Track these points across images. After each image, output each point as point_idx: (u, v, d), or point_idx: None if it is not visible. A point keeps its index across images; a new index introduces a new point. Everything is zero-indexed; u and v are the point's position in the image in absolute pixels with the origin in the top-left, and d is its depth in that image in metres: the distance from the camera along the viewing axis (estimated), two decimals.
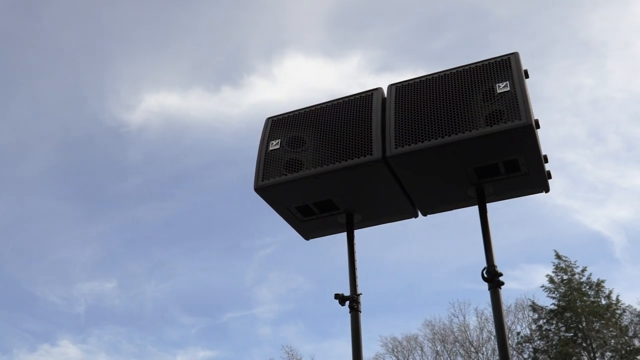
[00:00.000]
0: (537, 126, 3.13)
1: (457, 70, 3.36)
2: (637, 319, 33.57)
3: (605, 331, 32.73)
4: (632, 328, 33.35)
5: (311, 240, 4.01)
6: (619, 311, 33.41)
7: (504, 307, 3.17)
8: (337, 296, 3.47)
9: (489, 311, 33.96)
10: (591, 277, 34.57)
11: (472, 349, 36.96)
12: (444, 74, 3.38)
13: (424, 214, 3.74)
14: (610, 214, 47.56)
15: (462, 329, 37.87)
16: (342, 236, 3.78)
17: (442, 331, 38.34)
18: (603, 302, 33.69)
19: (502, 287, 3.15)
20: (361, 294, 3.52)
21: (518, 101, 3.06)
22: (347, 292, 3.50)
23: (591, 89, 49.62)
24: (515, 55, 3.28)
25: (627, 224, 48.00)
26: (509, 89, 3.13)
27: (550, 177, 3.40)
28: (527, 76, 3.23)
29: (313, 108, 3.65)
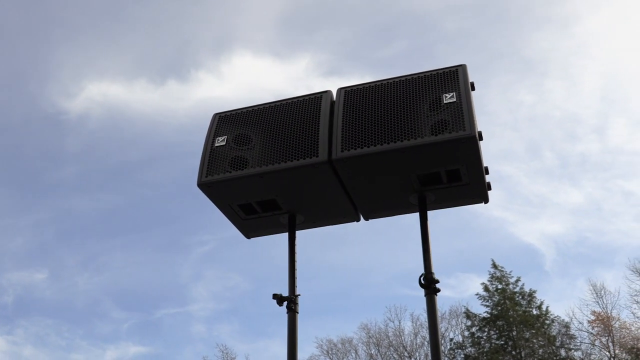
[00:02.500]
0: (480, 138, 3.19)
1: (406, 79, 3.40)
2: (565, 329, 34.73)
3: (534, 340, 33.73)
4: (560, 338, 34.50)
5: (251, 240, 3.99)
6: (548, 321, 34.48)
7: (438, 314, 3.22)
8: (275, 296, 3.45)
9: (424, 317, 34.54)
10: (524, 287, 35.57)
11: (406, 354, 37.49)
12: (393, 81, 3.41)
13: (366, 219, 3.77)
14: (542, 228, 49.19)
15: (397, 333, 38.41)
16: (283, 236, 3.77)
17: (377, 335, 38.81)
18: (534, 312, 34.69)
19: (438, 294, 3.20)
20: (299, 295, 3.52)
21: (463, 112, 3.11)
22: (285, 293, 3.49)
23: (531, 105, 51.27)
24: (462, 67, 3.34)
25: (558, 239, 49.75)
26: (455, 100, 3.18)
27: (490, 189, 3.48)
28: (473, 88, 3.29)
29: (261, 106, 3.63)
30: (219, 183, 3.42)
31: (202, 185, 3.45)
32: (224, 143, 3.51)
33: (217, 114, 3.70)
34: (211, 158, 3.48)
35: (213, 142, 3.54)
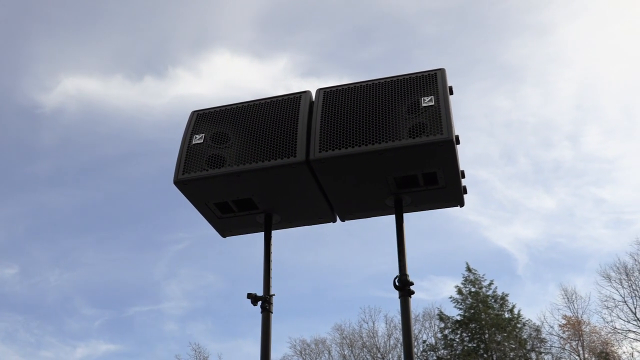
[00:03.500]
0: (458, 142, 3.21)
1: (385, 81, 3.41)
2: (535, 333, 35.14)
3: (505, 344, 34.06)
4: (530, 342, 34.88)
5: (227, 239, 3.98)
6: (519, 325, 34.85)
7: (412, 316, 3.24)
8: (249, 296, 3.45)
9: (398, 319, 34.71)
10: (497, 291, 35.91)
11: (379, 355, 37.62)
12: (372, 83, 3.42)
13: (342, 220, 3.78)
14: (515, 233, 49.74)
15: (371, 334, 38.54)
16: (259, 236, 3.76)
17: (350, 336, 38.89)
18: (506, 315, 35.04)
19: (412, 296, 3.22)
20: (274, 294, 3.51)
21: (441, 116, 3.13)
22: (259, 292, 3.48)
23: (506, 111, 51.82)
24: (441, 71, 3.36)
25: (530, 243, 50.34)
26: (433, 103, 3.20)
27: (466, 192, 3.50)
28: (451, 93, 3.31)
29: (240, 105, 3.62)
30: (195, 181, 3.40)
31: (178, 182, 3.42)
32: (202, 141, 3.49)
33: (195, 111, 3.68)
34: (188, 156, 3.46)
35: (190, 139, 3.52)
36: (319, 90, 3.51)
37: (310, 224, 3.83)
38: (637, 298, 33.97)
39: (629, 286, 34.42)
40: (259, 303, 3.45)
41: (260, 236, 3.75)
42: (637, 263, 34.56)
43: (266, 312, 3.43)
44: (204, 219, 3.75)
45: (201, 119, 3.62)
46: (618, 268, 35.11)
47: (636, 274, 34.52)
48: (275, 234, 3.76)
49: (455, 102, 3.27)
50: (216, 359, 46.13)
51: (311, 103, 3.50)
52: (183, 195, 3.52)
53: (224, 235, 3.94)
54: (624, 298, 34.33)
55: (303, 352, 39.40)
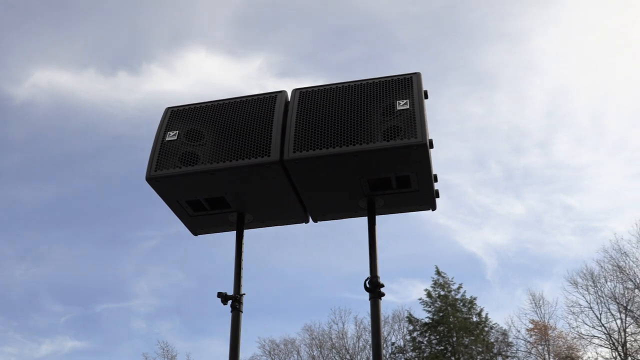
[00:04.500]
0: (431, 146, 3.24)
1: (361, 83, 3.42)
2: (503, 337, 35.56)
3: (473, 347, 34.41)
4: (497, 345, 35.28)
5: (198, 237, 3.95)
6: (487, 328, 35.24)
7: (382, 318, 3.25)
8: (220, 295, 3.43)
9: (367, 320, 34.83)
10: (465, 294, 36.25)
11: (348, 357, 37.70)
12: (348, 85, 3.43)
13: (315, 220, 3.78)
14: (485, 238, 50.31)
15: (340, 335, 38.61)
16: (231, 235, 3.74)
17: (320, 337, 38.91)
18: (474, 319, 35.40)
19: (382, 298, 3.23)
20: (244, 294, 3.50)
21: (416, 120, 3.15)
22: (230, 291, 3.47)
23: (479, 117, 52.39)
24: (417, 75, 3.38)
25: (499, 249, 50.93)
26: (408, 107, 3.22)
27: (438, 196, 3.53)
28: (426, 97, 3.33)
29: (215, 103, 3.60)
30: (168, 178, 3.37)
31: (150, 179, 3.39)
32: (175, 138, 3.47)
33: (169, 108, 3.65)
34: (161, 152, 3.43)
35: (164, 136, 3.49)
36: (294, 91, 3.51)
37: (283, 224, 3.83)
38: (603, 304, 34.60)
39: (595, 292, 35.03)
40: (229, 302, 3.43)
41: (232, 235, 3.73)
42: (603, 270, 35.20)
43: (236, 311, 3.42)
44: (175, 216, 3.72)
45: (175, 116, 3.59)
46: (585, 274, 35.72)
47: (602, 280, 35.16)
48: (247, 233, 3.75)
49: (429, 107, 3.29)
50: (184, 358, 45.69)
51: (287, 103, 3.49)
52: (155, 192, 3.48)
53: (195, 234, 3.91)
54: (589, 304, 34.94)
55: (272, 353, 39.34)
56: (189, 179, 3.38)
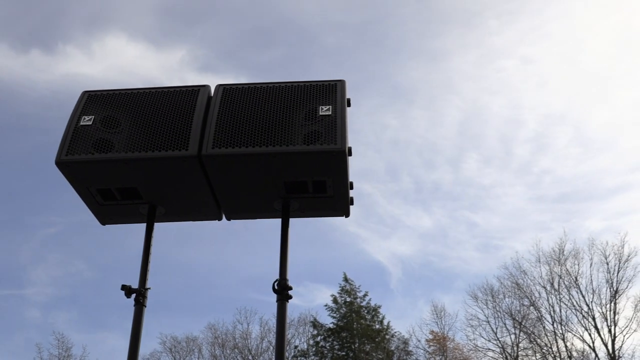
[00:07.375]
0: (350, 153, 3.28)
1: (286, 85, 3.43)
2: (403, 345, 36.44)
3: (374, 354, 35.05)
4: (397, 354, 36.10)
5: (105, 227, 3.83)
6: (388, 336, 36.00)
7: (287, 320, 3.27)
8: (124, 287, 3.34)
9: (272, 322, 34.82)
10: (370, 302, 36.91)
11: (250, 357, 37.54)
12: (273, 86, 3.43)
13: (228, 219, 3.75)
14: (392, 248, 51.46)
15: (244, 336, 38.40)
16: (140, 227, 3.66)
17: (223, 336, 38.55)
18: (377, 326, 36.07)
19: (289, 300, 3.25)
20: (150, 288, 3.43)
21: (337, 126, 3.19)
22: (135, 285, 3.39)
23: (395, 130, 53.62)
24: (342, 82, 3.43)
25: (405, 259, 52.25)
26: (330, 113, 3.26)
27: (352, 204, 3.58)
28: (349, 105, 3.39)
29: (135, 91, 3.51)
30: (79, 164, 3.26)
31: (60, 163, 3.26)
32: (90, 123, 3.36)
33: (86, 91, 3.53)
34: (74, 136, 3.31)
35: (79, 120, 3.38)
36: (218, 86, 3.48)
37: (195, 220, 3.78)
38: (499, 319, 36.14)
39: (493, 307, 36.54)
40: (133, 296, 3.35)
41: (141, 227, 3.65)
42: (502, 286, 36.74)
43: (139, 305, 3.34)
44: (82, 203, 3.59)
45: (92, 100, 3.48)
46: (485, 289, 37.19)
47: (501, 296, 36.70)
48: (158, 226, 3.68)
49: (348, 115, 3.34)
50: (80, 350, 44.15)
51: (209, 98, 3.45)
52: (62, 177, 3.36)
53: (103, 223, 3.80)
54: (487, 318, 36.43)
55: (173, 349, 38.61)
56: (102, 167, 3.27)
